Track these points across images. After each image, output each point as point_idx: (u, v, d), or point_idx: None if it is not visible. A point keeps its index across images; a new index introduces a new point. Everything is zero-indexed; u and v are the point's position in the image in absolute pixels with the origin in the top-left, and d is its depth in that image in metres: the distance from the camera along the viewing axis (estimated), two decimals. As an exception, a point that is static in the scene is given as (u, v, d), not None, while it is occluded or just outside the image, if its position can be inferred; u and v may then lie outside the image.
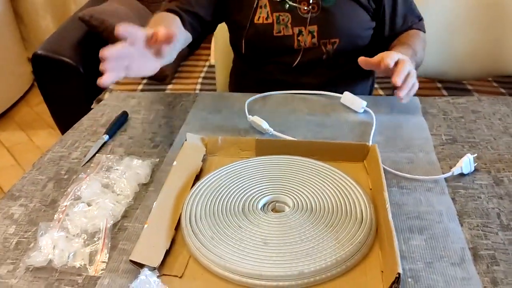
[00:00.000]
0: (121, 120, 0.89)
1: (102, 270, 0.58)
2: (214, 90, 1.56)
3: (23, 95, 2.56)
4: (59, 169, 0.78)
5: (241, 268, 0.55)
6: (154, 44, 0.70)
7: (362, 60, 0.85)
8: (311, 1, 0.97)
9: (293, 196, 0.66)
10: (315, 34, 0.98)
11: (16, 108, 2.49)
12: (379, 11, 1.01)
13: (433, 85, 1.65)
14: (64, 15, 2.49)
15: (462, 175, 0.71)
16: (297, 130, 0.84)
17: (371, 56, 1.07)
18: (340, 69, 1.04)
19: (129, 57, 0.66)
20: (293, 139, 0.80)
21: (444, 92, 1.61)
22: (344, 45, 0.99)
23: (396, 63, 0.80)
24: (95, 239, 0.62)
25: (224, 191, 0.67)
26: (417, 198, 0.67)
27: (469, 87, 1.63)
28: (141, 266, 0.55)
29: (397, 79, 0.78)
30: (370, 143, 0.79)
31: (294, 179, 0.69)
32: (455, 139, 0.81)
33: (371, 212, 0.61)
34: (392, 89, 1.56)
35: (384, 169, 0.69)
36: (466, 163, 0.71)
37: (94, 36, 1.72)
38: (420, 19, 1.06)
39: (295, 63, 1.00)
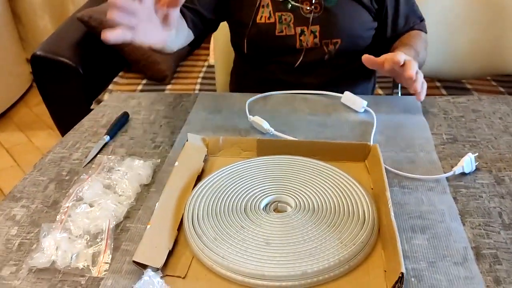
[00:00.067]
0: (122, 121, 0.89)
1: (105, 271, 0.58)
2: (214, 90, 1.56)
3: (22, 95, 2.55)
4: (60, 170, 0.78)
5: (244, 269, 0.55)
6: (161, 6, 0.69)
7: (366, 58, 0.85)
8: (313, 1, 0.97)
9: (295, 196, 0.66)
10: (317, 34, 0.98)
11: (15, 108, 2.48)
12: (381, 11, 1.01)
13: (433, 84, 1.66)
14: (62, 15, 2.49)
15: (463, 174, 0.72)
16: (298, 130, 0.84)
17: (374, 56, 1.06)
18: (342, 69, 1.04)
19: (137, 16, 0.65)
20: (295, 139, 0.80)
21: (444, 91, 1.62)
22: (346, 45, 1.00)
23: (403, 64, 0.80)
24: (97, 240, 0.62)
25: (226, 191, 0.67)
26: (418, 197, 0.67)
27: (468, 86, 1.63)
28: (144, 267, 0.55)
29: (411, 72, 0.78)
30: (371, 142, 0.79)
31: (296, 179, 0.69)
32: (455, 139, 0.81)
33: (374, 212, 0.62)
34: (392, 89, 1.57)
35: (385, 168, 0.69)
36: (467, 163, 0.71)
37: (93, 37, 1.71)
38: (422, 19, 1.06)
39: (297, 63, 1.00)
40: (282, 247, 0.57)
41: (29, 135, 2.28)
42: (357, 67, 1.05)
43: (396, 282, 0.50)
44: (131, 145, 0.83)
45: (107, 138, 0.84)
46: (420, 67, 0.95)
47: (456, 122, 0.86)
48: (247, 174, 0.70)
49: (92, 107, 1.70)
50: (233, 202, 0.65)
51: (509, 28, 1.34)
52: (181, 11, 0.95)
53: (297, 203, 0.65)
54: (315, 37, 0.98)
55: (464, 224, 0.62)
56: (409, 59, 0.81)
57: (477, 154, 0.73)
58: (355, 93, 0.91)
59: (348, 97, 0.91)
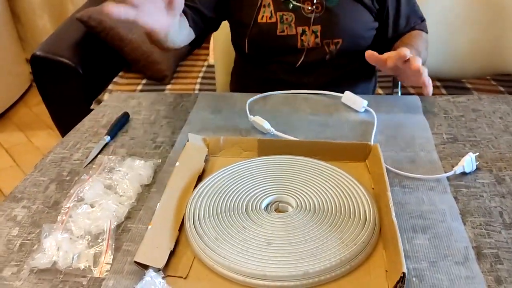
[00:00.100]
0: (122, 121, 0.89)
1: (106, 271, 0.58)
2: (214, 90, 1.56)
3: (21, 96, 2.55)
4: (61, 170, 0.78)
5: (245, 269, 0.55)
6: None
7: (369, 54, 0.84)
8: (315, 1, 0.97)
9: (296, 196, 0.66)
10: (319, 34, 0.98)
11: (14, 109, 2.48)
12: (382, 12, 1.01)
13: (433, 83, 1.65)
14: (62, 15, 2.49)
15: (464, 174, 0.72)
16: (299, 130, 0.84)
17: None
18: (343, 69, 1.04)
19: None
20: (295, 139, 0.80)
21: (443, 91, 1.62)
22: (347, 45, 1.00)
23: (407, 60, 0.80)
24: (99, 240, 0.62)
25: (227, 191, 0.67)
26: (419, 197, 0.68)
27: (468, 85, 1.63)
28: (145, 267, 0.55)
29: (417, 63, 0.77)
30: (372, 142, 0.79)
31: (297, 179, 0.69)
32: (456, 138, 0.81)
33: (375, 212, 0.62)
34: (391, 89, 1.57)
35: (386, 168, 0.69)
36: (468, 162, 0.71)
37: (93, 37, 1.71)
38: (423, 20, 1.06)
39: (299, 63, 1.01)
40: (284, 247, 0.57)
41: (29, 135, 2.28)
42: (358, 67, 1.05)
43: (398, 282, 0.50)
44: (131, 145, 0.83)
45: (107, 138, 0.84)
46: None
47: (456, 121, 0.86)
48: (248, 174, 0.70)
49: (92, 107, 1.70)
50: (234, 202, 0.65)
51: (509, 28, 1.34)
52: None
53: (298, 203, 0.65)
54: (316, 37, 0.99)
55: (465, 224, 0.63)
56: (413, 54, 0.80)
57: (477, 153, 0.74)
58: (356, 93, 0.91)
59: (348, 97, 0.92)
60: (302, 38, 0.99)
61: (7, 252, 0.62)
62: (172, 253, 0.58)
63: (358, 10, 0.99)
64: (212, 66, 1.79)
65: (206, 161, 0.75)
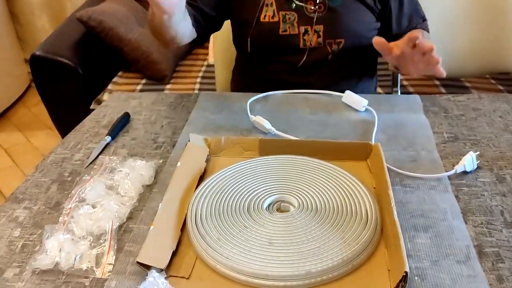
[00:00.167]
0: (123, 121, 0.89)
1: (109, 272, 0.58)
2: (214, 89, 1.56)
3: (20, 96, 2.55)
4: (62, 171, 0.78)
5: (247, 269, 0.55)
6: None
7: (377, 40, 0.82)
8: (317, 1, 0.97)
9: (298, 196, 0.66)
10: (321, 33, 0.98)
11: (13, 109, 2.47)
12: (385, 12, 1.01)
13: (431, 82, 1.66)
14: (60, 15, 2.48)
15: (465, 173, 0.72)
16: (299, 130, 0.84)
17: (376, 55, 1.07)
18: (345, 69, 1.04)
19: None
20: (297, 138, 0.80)
21: (442, 90, 1.62)
22: (349, 45, 1.00)
23: (414, 46, 0.79)
24: (101, 241, 0.62)
25: (228, 191, 0.67)
26: (420, 196, 0.68)
27: (467, 84, 1.63)
28: (148, 267, 0.55)
29: (428, 44, 0.76)
30: (373, 142, 0.79)
31: (299, 178, 0.69)
32: (456, 137, 0.81)
33: (376, 211, 0.62)
34: (391, 87, 1.57)
35: (387, 167, 0.69)
36: (469, 161, 0.72)
37: (92, 37, 1.71)
38: (424, 19, 1.06)
39: (301, 62, 1.01)
40: (286, 247, 0.57)
41: (28, 135, 2.27)
42: (360, 67, 1.05)
43: (400, 281, 0.51)
44: (132, 145, 0.83)
45: (108, 138, 0.84)
46: None
47: (456, 120, 0.86)
48: (250, 174, 0.70)
49: (92, 107, 1.70)
50: (236, 202, 0.65)
51: (508, 27, 1.34)
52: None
53: (300, 202, 0.65)
54: (318, 36, 0.99)
55: (466, 223, 0.63)
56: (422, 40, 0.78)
57: (478, 152, 0.74)
58: (357, 93, 0.92)
59: (349, 96, 0.92)
60: (305, 37, 0.99)
61: (9, 253, 0.62)
62: (174, 254, 0.58)
63: (361, 10, 0.99)
64: (212, 65, 1.79)
65: (207, 161, 0.75)
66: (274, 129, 0.83)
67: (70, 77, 1.65)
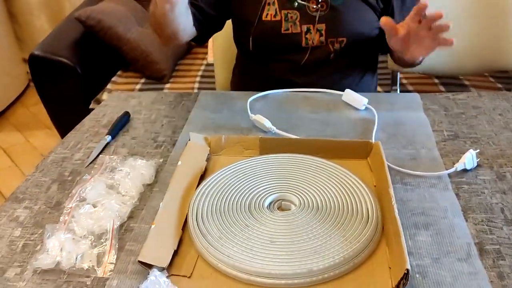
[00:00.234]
0: (123, 121, 0.89)
1: (110, 271, 0.58)
2: (213, 88, 1.56)
3: (19, 96, 2.54)
4: (63, 170, 0.77)
5: (249, 267, 0.55)
6: None
7: (385, 20, 0.80)
8: (320, 0, 0.97)
9: (299, 195, 0.66)
10: (323, 32, 0.98)
11: (12, 109, 2.47)
12: (387, 11, 1.01)
13: (431, 80, 1.67)
14: (59, 14, 2.48)
15: (465, 170, 0.72)
16: (300, 129, 0.84)
17: (377, 55, 1.06)
18: (347, 68, 1.04)
19: None
20: (297, 137, 0.80)
21: (442, 88, 1.62)
22: (351, 44, 1.00)
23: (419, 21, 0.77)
24: (102, 240, 0.62)
25: (229, 190, 0.67)
26: (421, 194, 0.68)
27: (466, 82, 1.64)
28: (149, 266, 0.55)
29: (437, 11, 0.75)
30: (373, 140, 0.79)
31: (300, 177, 0.69)
32: (456, 135, 0.81)
33: (377, 209, 0.62)
34: (390, 86, 1.57)
35: (387, 166, 0.69)
36: (469, 159, 0.72)
37: (91, 36, 1.71)
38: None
39: (303, 61, 1.01)
40: (287, 245, 0.58)
41: (27, 135, 2.27)
42: (361, 65, 1.05)
43: (401, 279, 0.51)
44: (133, 144, 0.83)
45: (108, 138, 0.83)
46: (420, 62, 0.96)
47: (456, 118, 0.86)
48: (251, 172, 0.71)
49: (91, 106, 1.69)
50: (237, 200, 0.65)
51: (506, 26, 1.35)
52: None
53: (301, 201, 0.65)
54: (321, 35, 0.99)
55: (467, 220, 0.63)
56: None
57: (478, 150, 0.74)
58: (358, 92, 0.92)
59: (349, 95, 0.92)
60: (307, 36, 0.99)
61: (10, 253, 0.62)
62: (175, 252, 0.58)
63: (363, 9, 0.99)
64: (211, 64, 1.79)
65: (208, 160, 0.75)
66: (274, 128, 0.83)
67: (69, 77, 1.65)
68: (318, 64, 1.01)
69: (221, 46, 1.32)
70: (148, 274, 0.54)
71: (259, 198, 0.66)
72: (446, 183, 0.70)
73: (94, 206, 0.67)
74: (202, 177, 0.72)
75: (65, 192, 0.72)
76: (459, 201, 0.66)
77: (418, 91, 0.97)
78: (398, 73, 1.55)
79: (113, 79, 1.81)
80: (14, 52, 2.52)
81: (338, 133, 0.83)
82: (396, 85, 1.54)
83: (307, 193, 0.66)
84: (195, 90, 1.73)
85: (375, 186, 0.69)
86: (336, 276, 0.55)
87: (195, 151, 0.75)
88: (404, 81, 1.68)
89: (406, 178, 0.71)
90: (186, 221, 0.63)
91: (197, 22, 0.98)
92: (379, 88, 1.63)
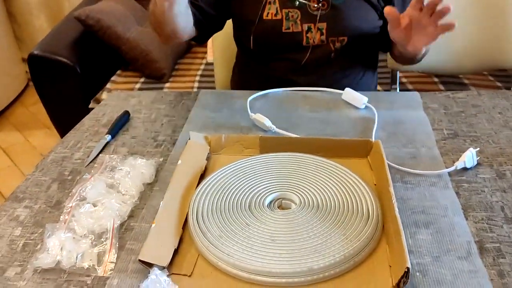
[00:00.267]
0: (123, 120, 0.89)
1: (110, 270, 0.58)
2: (213, 87, 1.56)
3: (18, 95, 2.54)
4: (63, 170, 0.77)
5: (249, 266, 0.55)
6: None
7: (389, 9, 0.80)
8: None
9: (299, 193, 0.66)
10: (324, 31, 0.98)
11: (11, 108, 2.47)
12: None
13: (430, 79, 1.67)
14: (58, 14, 2.47)
15: (465, 169, 0.72)
16: (299, 127, 0.84)
17: (377, 53, 1.06)
18: (348, 67, 1.04)
19: None
20: (297, 136, 0.80)
21: (441, 87, 1.62)
22: (352, 43, 1.00)
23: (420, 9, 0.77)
24: (102, 239, 0.62)
25: (230, 189, 0.67)
26: (421, 192, 0.68)
27: (466, 81, 1.64)
28: (149, 265, 0.55)
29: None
30: (373, 139, 0.79)
31: (300, 176, 0.69)
32: (456, 134, 0.81)
33: (377, 208, 0.62)
34: (390, 85, 1.57)
35: (387, 164, 0.69)
36: (469, 157, 0.72)
37: (90, 36, 1.71)
38: None
39: (304, 60, 1.00)
40: (288, 244, 0.58)
41: (26, 135, 2.27)
42: (362, 64, 1.05)
43: (402, 277, 0.51)
44: (133, 144, 0.83)
45: (108, 137, 0.83)
46: (423, 57, 0.96)
47: (456, 117, 0.86)
48: (251, 171, 0.71)
49: (90, 106, 1.69)
50: (237, 199, 0.65)
51: (505, 25, 1.35)
52: None
53: (301, 200, 0.65)
54: (321, 34, 0.98)
55: (467, 219, 0.63)
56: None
57: (478, 149, 0.74)
58: (359, 91, 0.92)
59: (348, 93, 0.92)
60: (308, 35, 0.99)
61: (11, 252, 0.62)
62: (176, 251, 0.58)
63: (364, 8, 0.99)
64: (210, 64, 1.79)
65: (208, 159, 0.75)
66: (274, 127, 0.83)
67: (68, 76, 1.65)
68: (319, 63, 1.01)
69: (220, 45, 1.32)
70: (149, 273, 0.54)
71: (260, 197, 0.66)
72: (446, 181, 0.70)
73: (94, 205, 0.67)
74: (202, 176, 0.72)
75: (65, 191, 0.72)
76: (459, 199, 0.66)
77: (418, 90, 0.97)
78: (398, 72, 1.55)
79: (112, 78, 1.81)
80: (13, 52, 2.52)
81: (338, 132, 0.83)
82: (395, 84, 1.54)
83: (307, 192, 0.66)
84: (195, 89, 1.73)
85: (375, 184, 0.69)
86: (337, 275, 0.55)
87: (195, 150, 0.75)
88: (404, 80, 1.68)
89: (406, 176, 0.71)
90: (186, 220, 0.63)
91: (197, 21, 0.98)
92: (378, 87, 1.63)
